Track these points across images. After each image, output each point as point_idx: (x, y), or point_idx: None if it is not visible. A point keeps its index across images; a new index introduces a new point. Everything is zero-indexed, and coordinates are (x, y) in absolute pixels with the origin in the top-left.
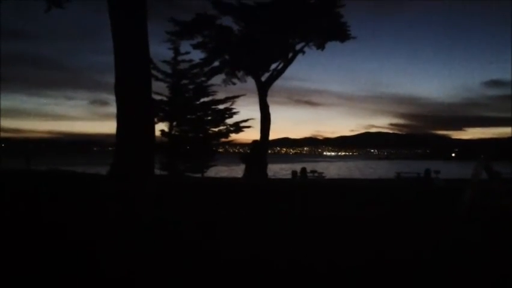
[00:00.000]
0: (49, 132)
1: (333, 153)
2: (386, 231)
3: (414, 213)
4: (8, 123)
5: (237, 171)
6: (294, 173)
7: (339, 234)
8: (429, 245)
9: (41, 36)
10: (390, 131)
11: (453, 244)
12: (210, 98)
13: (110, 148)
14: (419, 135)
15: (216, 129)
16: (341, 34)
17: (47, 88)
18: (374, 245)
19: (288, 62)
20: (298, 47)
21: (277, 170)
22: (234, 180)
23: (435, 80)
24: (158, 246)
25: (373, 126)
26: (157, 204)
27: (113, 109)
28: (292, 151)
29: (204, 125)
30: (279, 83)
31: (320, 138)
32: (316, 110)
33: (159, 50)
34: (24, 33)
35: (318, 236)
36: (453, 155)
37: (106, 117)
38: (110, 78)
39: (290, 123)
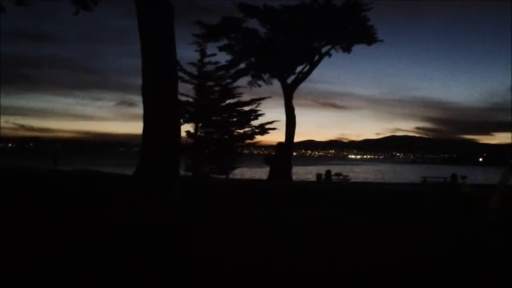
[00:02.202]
0: (77, 132)
1: (358, 156)
2: (410, 236)
3: (440, 219)
4: (37, 123)
5: (262, 173)
6: (318, 175)
7: (370, 237)
8: (456, 251)
9: (70, 39)
10: (417, 135)
11: (480, 250)
12: (236, 99)
13: (136, 148)
14: (446, 140)
15: (241, 131)
16: (368, 37)
17: (75, 89)
18: (400, 251)
19: (313, 65)
20: (324, 49)
21: (302, 172)
22: (258, 182)
23: (463, 84)
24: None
25: (399, 129)
26: (181, 205)
27: (139, 110)
28: (317, 154)
29: (229, 127)
30: (304, 85)
31: (345, 141)
32: (341, 113)
33: (186, 52)
34: (54, 35)
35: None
36: (480, 160)
37: (132, 118)
38: (137, 80)
39: (315, 125)
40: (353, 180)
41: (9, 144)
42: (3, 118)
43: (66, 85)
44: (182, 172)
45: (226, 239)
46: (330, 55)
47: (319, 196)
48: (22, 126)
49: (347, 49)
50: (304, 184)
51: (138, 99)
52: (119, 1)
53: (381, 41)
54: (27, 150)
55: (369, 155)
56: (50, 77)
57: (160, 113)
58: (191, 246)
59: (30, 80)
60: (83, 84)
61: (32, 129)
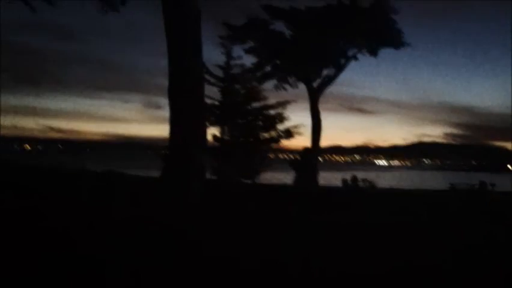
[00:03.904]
0: (104, 134)
1: (384, 162)
2: (438, 242)
3: (469, 227)
4: (65, 124)
5: (287, 177)
6: (344, 181)
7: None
8: (486, 260)
9: (98, 39)
10: (445, 141)
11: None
12: (261, 103)
13: (162, 151)
14: (475, 146)
15: (267, 135)
16: (395, 41)
17: (103, 90)
18: (426, 258)
19: (340, 69)
20: (350, 53)
21: (328, 177)
22: (283, 186)
23: (493, 89)
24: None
25: (426, 135)
26: (205, 208)
27: (166, 112)
28: (343, 159)
29: (254, 130)
30: (330, 89)
31: (372, 146)
32: (368, 118)
33: (212, 54)
34: (81, 36)
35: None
36: (510, 167)
37: (159, 120)
38: (165, 82)
39: (341, 130)
40: (379, 187)
41: (38, 146)
42: (33, 120)
43: (95, 87)
44: (208, 175)
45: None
46: (356, 59)
47: (348, 201)
48: (51, 128)
49: (374, 53)
50: (330, 189)
51: (165, 101)
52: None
53: (409, 44)
54: (56, 151)
55: (396, 161)
56: (80, 79)
57: (186, 116)
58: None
59: (60, 82)
60: (112, 86)
61: (60, 130)
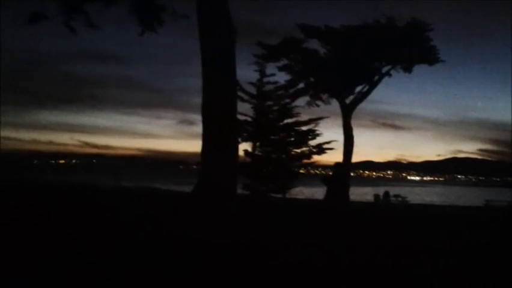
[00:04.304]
0: (139, 149)
1: (417, 178)
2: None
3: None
4: (101, 140)
5: (319, 193)
6: (376, 196)
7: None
8: None
9: (134, 60)
10: (479, 157)
11: None
12: (294, 119)
13: (194, 166)
14: (510, 163)
15: (299, 151)
16: (430, 57)
17: (138, 108)
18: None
19: (373, 85)
20: (384, 70)
21: (360, 192)
22: (315, 202)
23: None
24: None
25: (461, 151)
26: (239, 225)
27: (199, 129)
28: (375, 174)
29: (286, 146)
30: (363, 105)
31: (404, 162)
32: (401, 134)
33: (245, 72)
34: (118, 57)
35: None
36: None
37: (192, 136)
38: (198, 99)
39: (374, 146)
40: (412, 202)
41: (73, 161)
42: (69, 135)
43: (130, 104)
44: (239, 190)
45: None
46: (390, 75)
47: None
48: (86, 143)
49: (408, 69)
50: (362, 206)
51: (198, 118)
52: (183, 22)
53: (443, 61)
54: (91, 166)
55: (429, 176)
56: (115, 97)
57: (218, 132)
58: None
59: (97, 99)
60: (146, 104)
61: (95, 146)
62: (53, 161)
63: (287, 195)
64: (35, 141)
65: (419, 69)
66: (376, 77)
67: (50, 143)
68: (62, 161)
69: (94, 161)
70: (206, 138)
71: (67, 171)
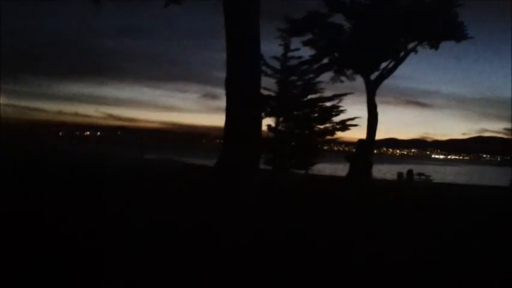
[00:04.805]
0: (162, 122)
1: (442, 156)
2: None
3: None
4: (125, 112)
5: (341, 169)
6: (399, 174)
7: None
8: None
9: (157, 34)
10: (505, 136)
11: None
12: (317, 95)
13: (217, 140)
14: None
15: (322, 127)
16: (457, 34)
17: (162, 81)
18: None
19: (399, 61)
20: (410, 46)
21: (383, 170)
22: (337, 179)
23: None
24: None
25: (486, 130)
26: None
27: (222, 103)
28: (398, 152)
29: (310, 122)
30: (388, 82)
31: (429, 140)
32: (426, 111)
33: (269, 46)
34: (142, 31)
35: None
36: None
37: (215, 110)
38: (221, 73)
39: (398, 123)
40: (436, 181)
41: (98, 133)
42: (94, 107)
43: (153, 77)
44: (262, 166)
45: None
46: (416, 52)
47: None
48: (111, 116)
49: (435, 46)
50: (385, 184)
51: (221, 92)
52: None
53: (471, 38)
54: (115, 138)
55: (454, 155)
56: (140, 70)
57: (242, 106)
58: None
59: (121, 72)
60: (170, 77)
61: (119, 118)
62: (78, 133)
63: (310, 172)
64: (60, 113)
65: (446, 45)
66: (402, 53)
67: (76, 114)
68: (87, 133)
69: (119, 133)
70: (229, 112)
71: (92, 142)
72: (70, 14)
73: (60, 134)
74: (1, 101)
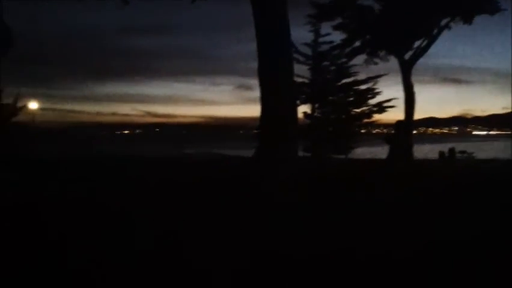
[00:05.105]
0: (198, 117)
1: (483, 133)
2: None
3: None
4: (162, 109)
5: (381, 152)
6: (441, 153)
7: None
8: None
9: (186, 30)
10: None
11: None
12: (352, 78)
13: (254, 131)
14: None
15: (358, 110)
16: (490, 6)
17: (195, 75)
18: None
19: (432, 39)
20: (443, 22)
21: (424, 150)
22: (377, 162)
23: None
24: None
25: None
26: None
27: (257, 93)
28: (438, 131)
29: (345, 106)
30: (423, 61)
31: (469, 117)
32: (464, 88)
33: (300, 33)
34: (171, 27)
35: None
36: None
37: (250, 101)
38: (254, 64)
39: (436, 102)
40: (478, 158)
41: (137, 130)
42: (131, 106)
43: (186, 72)
44: (300, 153)
45: None
46: (449, 28)
47: None
48: (148, 113)
49: (468, 21)
50: (427, 164)
51: (255, 82)
52: None
53: (505, 9)
54: (154, 135)
55: (496, 130)
56: (173, 66)
57: (276, 95)
58: None
59: (155, 69)
60: (203, 71)
61: (156, 115)
62: (118, 132)
63: (349, 156)
64: (99, 113)
65: (480, 20)
66: (435, 31)
67: (114, 114)
68: (127, 132)
69: (157, 129)
70: (264, 102)
71: (132, 141)
72: (97, 13)
73: (103, 133)
74: (41, 105)
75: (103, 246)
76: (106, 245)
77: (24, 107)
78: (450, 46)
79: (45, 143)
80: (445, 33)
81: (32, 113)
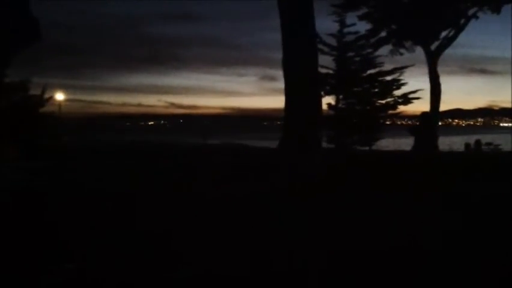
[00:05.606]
0: (222, 107)
1: (511, 124)
2: None
3: None
4: (186, 100)
5: (406, 144)
6: (467, 145)
7: None
8: None
9: (211, 18)
10: None
11: None
12: (377, 69)
13: (278, 122)
14: None
15: (383, 102)
16: None
17: (219, 66)
18: None
19: (459, 29)
20: (470, 12)
21: (449, 142)
22: (402, 153)
23: None
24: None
25: None
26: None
27: (281, 84)
28: (465, 123)
29: (370, 98)
30: (449, 51)
31: (496, 108)
32: (491, 79)
33: (325, 23)
34: (196, 15)
35: None
36: None
37: (274, 92)
38: (279, 55)
39: (462, 93)
40: (505, 150)
41: (162, 121)
42: (156, 97)
43: (211, 62)
44: (324, 144)
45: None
46: (477, 17)
47: None
48: (172, 104)
49: (496, 10)
50: (452, 156)
51: (280, 73)
52: None
53: None
54: (178, 126)
55: None
56: (197, 56)
57: (301, 86)
58: None
59: (179, 59)
60: (227, 61)
61: (181, 106)
62: (143, 123)
63: (373, 148)
64: (124, 104)
65: (508, 9)
66: (462, 20)
67: (139, 105)
68: (151, 123)
69: (181, 120)
70: (288, 93)
71: (157, 131)
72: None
73: (127, 124)
74: (66, 97)
75: None
76: None
77: (51, 98)
78: (477, 36)
79: (76, 133)
80: (472, 23)
81: (59, 103)
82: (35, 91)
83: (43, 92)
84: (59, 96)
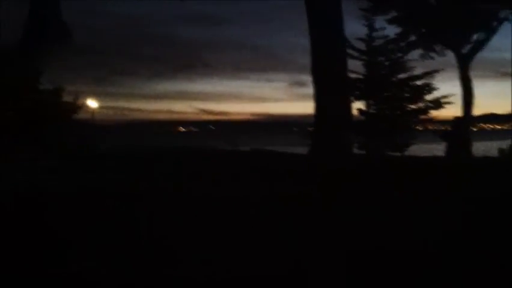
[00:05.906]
0: (252, 114)
1: None
2: None
3: None
4: (216, 106)
5: (438, 149)
6: (501, 151)
7: None
8: None
9: (237, 22)
10: None
11: None
12: (407, 74)
13: (309, 128)
14: None
15: (415, 106)
16: None
17: (248, 72)
18: None
19: (492, 32)
20: (503, 14)
21: (483, 148)
22: (435, 159)
23: None
24: None
25: None
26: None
27: (310, 90)
28: (499, 127)
29: (401, 102)
30: (482, 55)
31: None
32: None
33: (354, 28)
34: (221, 19)
35: None
36: None
37: (304, 97)
38: (308, 60)
39: (496, 97)
40: None
41: (192, 128)
42: (187, 103)
43: (241, 68)
44: (355, 150)
45: None
46: (510, 20)
47: None
48: (203, 110)
49: None
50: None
51: (308, 78)
52: None
53: None
54: (209, 132)
55: None
56: (226, 61)
57: (330, 92)
58: None
59: (209, 65)
60: (256, 66)
61: (211, 112)
62: (176, 128)
63: (405, 153)
64: (155, 111)
65: None
66: (494, 23)
67: (169, 111)
68: (183, 129)
69: (212, 127)
70: (318, 98)
71: (189, 137)
72: (145, 3)
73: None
74: (99, 104)
75: None
76: None
77: (84, 104)
78: (511, 39)
79: (114, 138)
80: (506, 26)
81: (92, 111)
82: (68, 98)
83: (76, 99)
84: (92, 103)
